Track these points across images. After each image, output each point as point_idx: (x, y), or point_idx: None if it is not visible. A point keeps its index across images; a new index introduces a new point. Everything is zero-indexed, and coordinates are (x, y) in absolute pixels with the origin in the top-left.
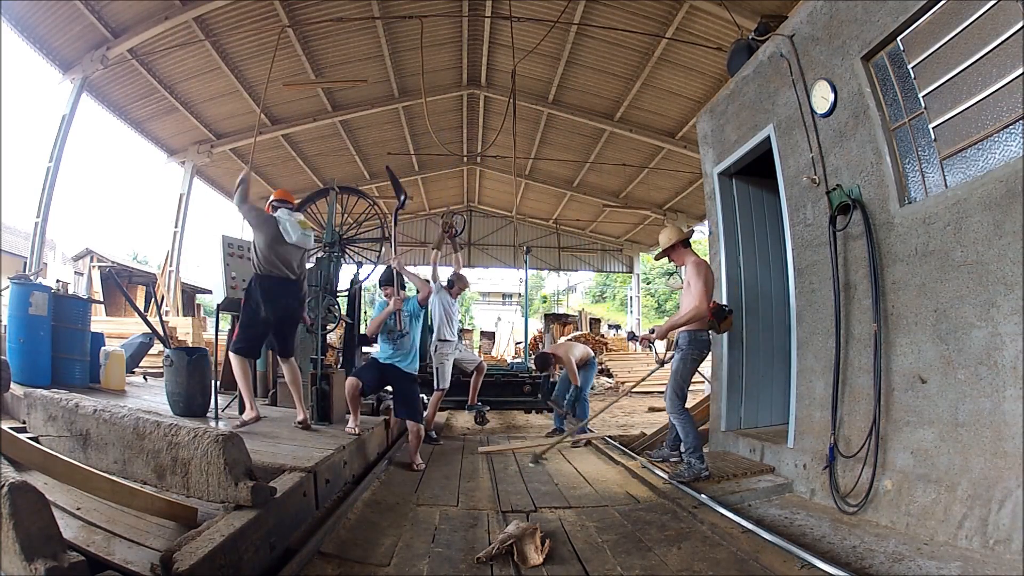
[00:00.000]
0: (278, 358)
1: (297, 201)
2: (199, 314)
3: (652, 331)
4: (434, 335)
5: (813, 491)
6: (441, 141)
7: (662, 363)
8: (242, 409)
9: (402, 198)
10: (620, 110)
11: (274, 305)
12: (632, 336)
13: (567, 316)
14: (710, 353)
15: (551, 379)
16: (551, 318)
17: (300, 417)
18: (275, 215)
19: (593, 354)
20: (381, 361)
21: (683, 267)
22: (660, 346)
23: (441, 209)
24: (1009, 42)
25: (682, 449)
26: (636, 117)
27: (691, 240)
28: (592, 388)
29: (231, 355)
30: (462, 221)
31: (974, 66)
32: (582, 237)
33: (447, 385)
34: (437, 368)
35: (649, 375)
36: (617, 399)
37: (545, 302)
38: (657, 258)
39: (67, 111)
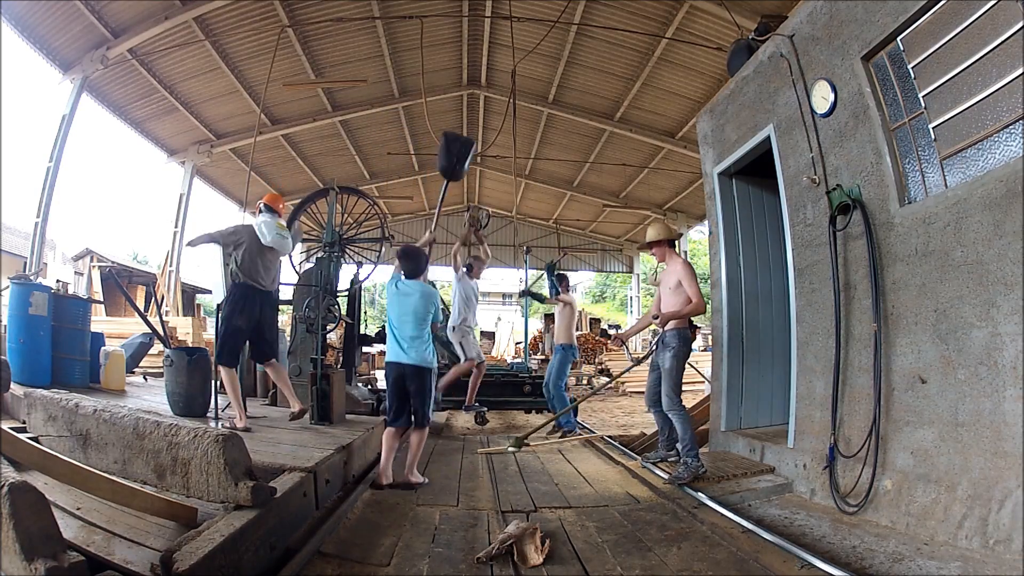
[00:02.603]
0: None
1: (295, 203)
2: (199, 314)
3: (617, 328)
4: (457, 319)
5: (813, 491)
6: None
7: (639, 362)
8: None
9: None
10: (620, 110)
11: (249, 314)
12: (604, 333)
13: None
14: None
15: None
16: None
17: (295, 409)
18: (255, 220)
19: (575, 344)
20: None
21: (662, 263)
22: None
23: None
24: (1009, 42)
25: (680, 448)
26: (636, 117)
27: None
28: (577, 381)
29: (220, 368)
30: (486, 216)
31: (974, 66)
32: (582, 237)
33: (474, 354)
34: (460, 343)
35: (626, 371)
36: (600, 388)
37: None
38: (640, 249)
39: (67, 111)
